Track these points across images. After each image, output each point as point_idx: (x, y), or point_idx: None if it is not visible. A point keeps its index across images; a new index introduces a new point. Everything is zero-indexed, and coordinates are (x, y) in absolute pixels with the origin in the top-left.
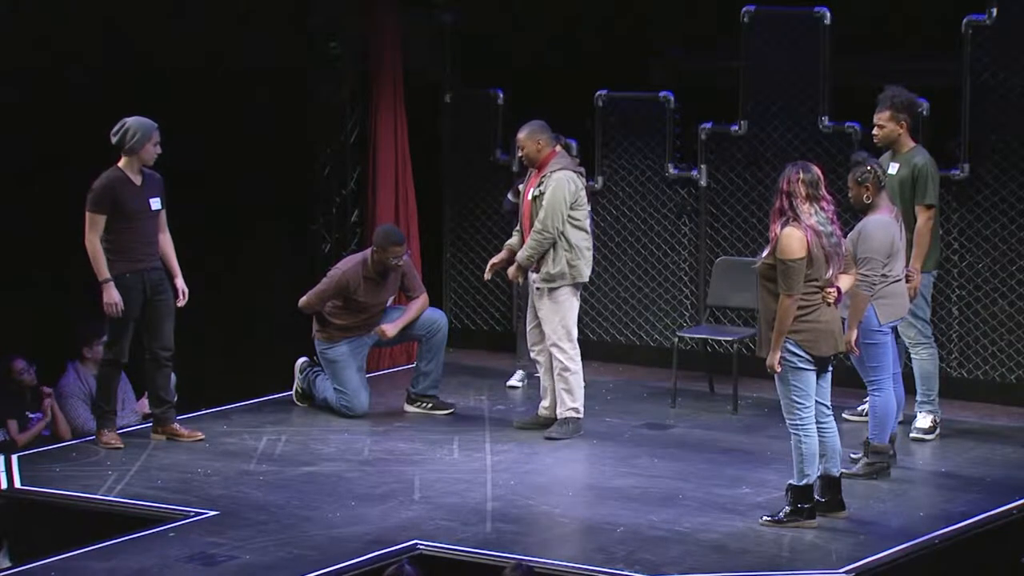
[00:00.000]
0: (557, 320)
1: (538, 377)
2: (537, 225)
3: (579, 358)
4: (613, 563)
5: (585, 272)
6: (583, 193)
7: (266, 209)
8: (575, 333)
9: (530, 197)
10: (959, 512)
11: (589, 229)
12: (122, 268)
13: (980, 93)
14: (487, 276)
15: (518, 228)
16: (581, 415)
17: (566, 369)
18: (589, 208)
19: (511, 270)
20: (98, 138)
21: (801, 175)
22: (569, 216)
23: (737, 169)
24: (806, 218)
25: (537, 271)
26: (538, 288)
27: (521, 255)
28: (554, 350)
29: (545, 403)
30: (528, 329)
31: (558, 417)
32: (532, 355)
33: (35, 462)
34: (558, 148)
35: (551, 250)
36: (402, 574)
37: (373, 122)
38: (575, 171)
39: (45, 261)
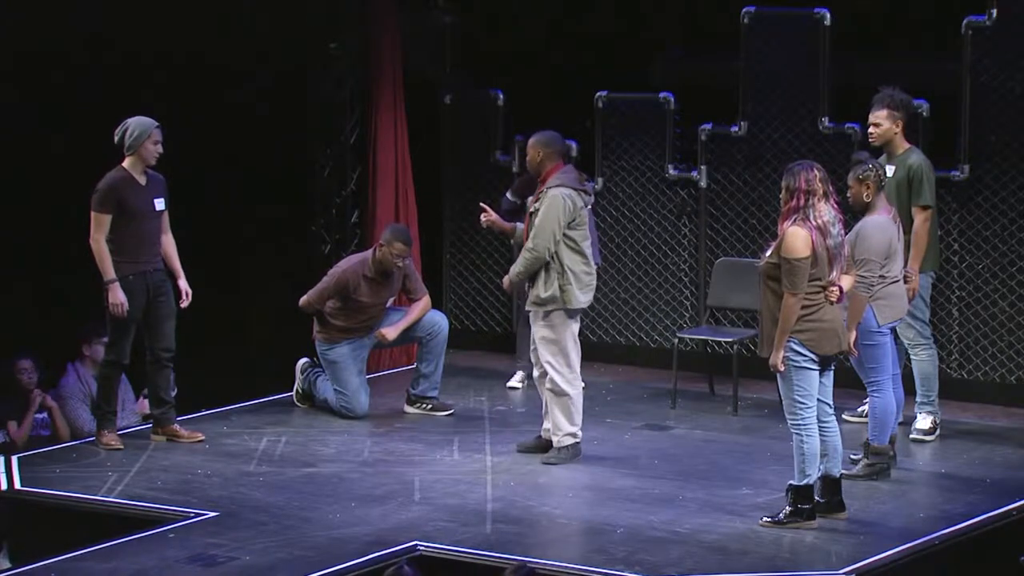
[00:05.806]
0: (555, 347)
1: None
2: (528, 243)
3: (579, 381)
4: (613, 564)
5: (579, 298)
6: (584, 213)
7: (266, 209)
8: (574, 357)
9: (529, 211)
10: (959, 513)
11: (589, 252)
12: (126, 269)
13: (980, 94)
14: (483, 222)
15: (518, 240)
16: (579, 438)
17: (564, 394)
18: (592, 218)
19: (504, 281)
20: (98, 140)
21: (818, 174)
22: (565, 236)
23: (737, 170)
24: (818, 217)
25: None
26: (528, 310)
27: (512, 270)
28: (552, 373)
29: (547, 425)
30: (532, 350)
31: (555, 443)
32: (535, 375)
33: (35, 463)
34: (563, 163)
35: (544, 272)
36: (401, 575)
37: (373, 122)
38: (578, 189)
39: (45, 262)
